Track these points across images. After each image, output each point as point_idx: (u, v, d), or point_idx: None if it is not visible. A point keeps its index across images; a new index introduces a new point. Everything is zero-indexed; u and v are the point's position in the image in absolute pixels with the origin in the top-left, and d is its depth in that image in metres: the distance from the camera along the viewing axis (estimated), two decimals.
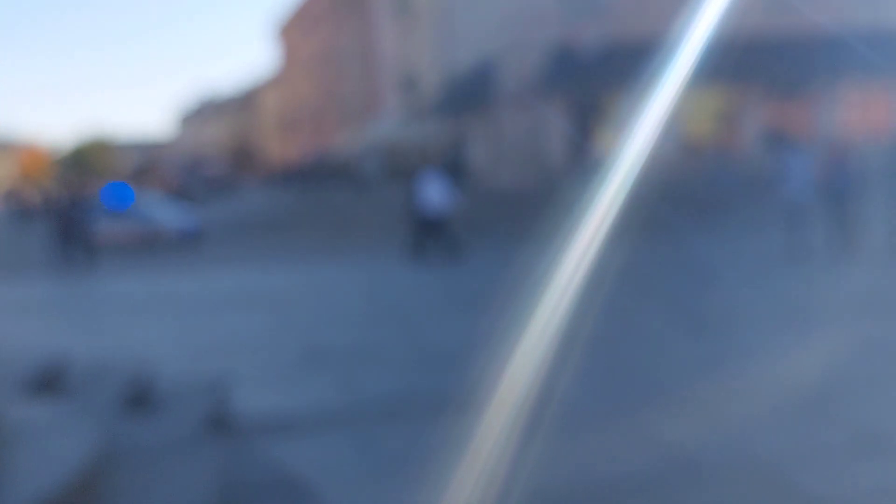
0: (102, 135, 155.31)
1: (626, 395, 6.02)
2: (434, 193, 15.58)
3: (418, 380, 6.86)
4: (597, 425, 5.39)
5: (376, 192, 31.17)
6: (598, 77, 27.22)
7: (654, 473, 4.48)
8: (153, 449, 4.05)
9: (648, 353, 7.33)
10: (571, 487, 4.40)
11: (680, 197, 24.99)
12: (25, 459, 3.43)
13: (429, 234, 15.82)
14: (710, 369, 6.61)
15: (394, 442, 5.29)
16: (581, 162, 27.52)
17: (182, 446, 4.08)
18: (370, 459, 5.00)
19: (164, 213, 26.00)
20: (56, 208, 21.34)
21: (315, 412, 6.00)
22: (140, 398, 5.54)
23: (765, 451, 4.72)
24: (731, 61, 28.94)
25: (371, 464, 4.92)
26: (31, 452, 3.52)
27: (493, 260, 15.26)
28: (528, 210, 22.53)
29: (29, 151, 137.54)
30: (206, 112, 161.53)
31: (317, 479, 4.62)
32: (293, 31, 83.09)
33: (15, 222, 39.80)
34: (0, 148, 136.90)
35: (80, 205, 20.65)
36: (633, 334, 8.14)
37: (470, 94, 32.10)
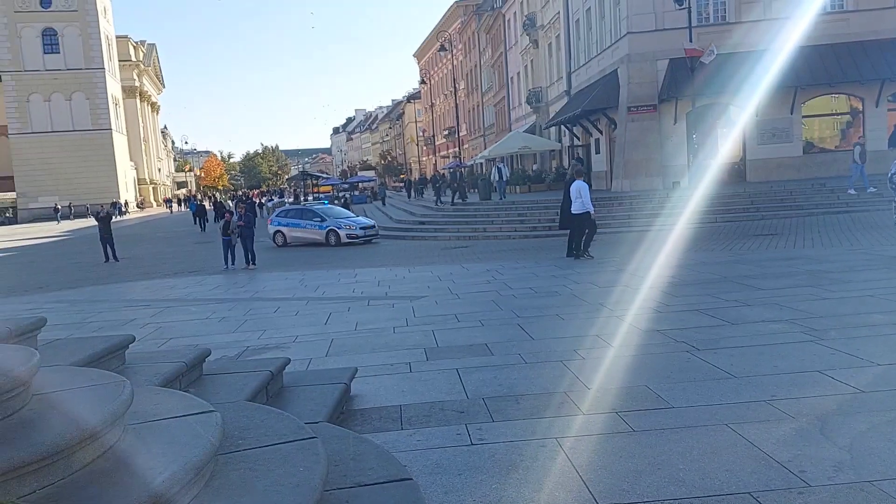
0: (270, 145, 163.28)
1: (734, 402, 5.47)
2: (575, 197, 15.36)
3: (531, 376, 6.54)
4: (701, 432, 4.90)
5: (504, 198, 30.85)
6: (718, 84, 25.89)
7: (757, 489, 3.99)
8: (272, 439, 3.94)
9: (760, 356, 6.70)
10: (669, 496, 3.98)
11: (799, 197, 23.41)
12: (147, 451, 3.38)
13: (574, 233, 15.75)
14: (823, 377, 5.95)
15: (501, 440, 5.01)
16: (700, 166, 26.30)
17: (300, 437, 3.95)
18: (477, 457, 4.73)
19: (340, 216, 26.82)
20: (223, 211, 22.36)
21: (431, 407, 5.81)
22: (268, 388, 5.53)
23: (882, 473, 4.13)
24: (854, 64, 26.92)
25: (477, 462, 4.65)
26: (154, 443, 3.47)
27: (613, 260, 14.69)
28: (646, 212, 21.71)
29: (209, 159, 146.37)
30: (359, 125, 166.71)
31: (423, 475, 4.42)
32: (430, 53, 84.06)
33: (194, 224, 42.08)
34: (185, 157, 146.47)
35: (246, 208, 21.45)
36: (745, 337, 7.49)
37: (592, 104, 31.34)
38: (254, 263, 19.53)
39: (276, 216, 27.90)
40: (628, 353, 7.18)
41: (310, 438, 3.83)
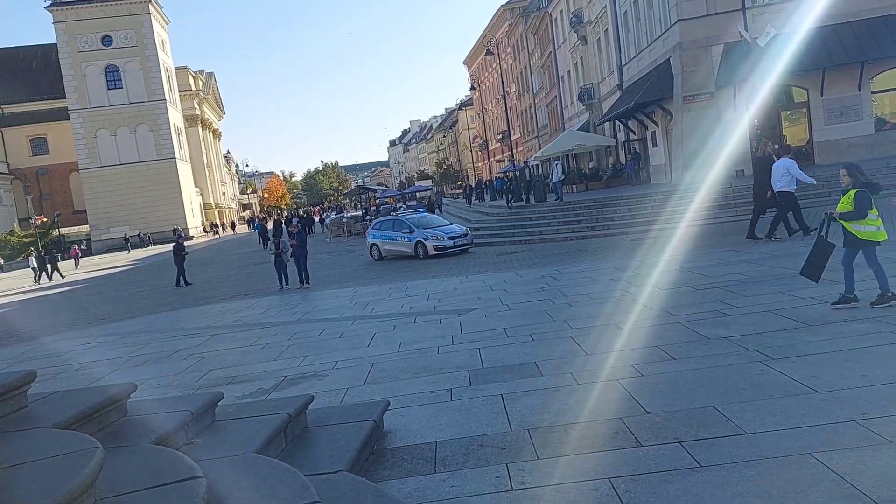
0: (330, 162, 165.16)
1: (818, 423, 4.71)
2: (782, 174, 14.72)
3: (582, 399, 5.87)
4: (781, 465, 4.17)
5: (561, 198, 29.95)
6: (778, 65, 24.51)
7: None
8: (284, 491, 3.40)
9: (846, 364, 5.87)
10: None
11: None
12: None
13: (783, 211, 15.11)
14: None
15: (547, 482, 4.36)
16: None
17: (303, 502, 3.39)
18: None
19: (430, 226, 24.94)
20: (277, 231, 22.07)
21: (470, 443, 5.20)
22: (286, 432, 5.00)
23: None
24: None
25: None
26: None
27: (676, 257, 13.82)
28: (711, 204, 20.62)
29: (271, 180, 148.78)
30: (415, 136, 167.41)
31: None
32: (480, 59, 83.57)
33: (258, 244, 42.29)
34: (250, 178, 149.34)
35: (299, 227, 21.10)
36: (826, 341, 6.65)
37: (646, 96, 30.22)
38: (307, 282, 19.23)
39: (372, 228, 26.61)
40: (692, 366, 6.44)
41: (333, 489, 3.28)
